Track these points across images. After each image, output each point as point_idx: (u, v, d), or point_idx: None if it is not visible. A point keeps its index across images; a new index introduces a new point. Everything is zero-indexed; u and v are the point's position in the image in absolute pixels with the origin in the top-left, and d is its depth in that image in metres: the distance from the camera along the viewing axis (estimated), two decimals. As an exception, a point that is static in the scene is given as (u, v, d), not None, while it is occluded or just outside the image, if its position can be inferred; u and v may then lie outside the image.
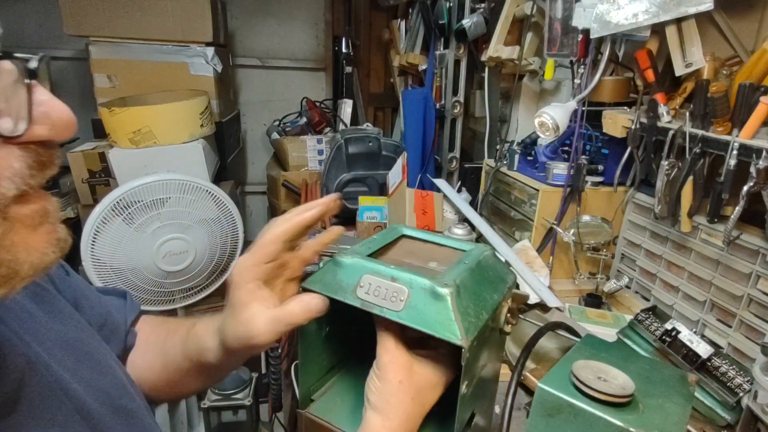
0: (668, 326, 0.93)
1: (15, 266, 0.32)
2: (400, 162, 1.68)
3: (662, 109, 1.11)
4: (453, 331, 0.45)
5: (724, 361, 0.87)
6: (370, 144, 2.04)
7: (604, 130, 1.25)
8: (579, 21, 1.18)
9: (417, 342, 0.51)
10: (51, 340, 0.46)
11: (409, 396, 0.48)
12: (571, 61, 1.30)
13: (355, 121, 2.83)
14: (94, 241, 1.51)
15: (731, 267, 1.00)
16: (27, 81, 0.30)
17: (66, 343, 0.48)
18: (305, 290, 0.54)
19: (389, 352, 0.49)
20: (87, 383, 0.46)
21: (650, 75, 1.12)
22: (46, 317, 0.48)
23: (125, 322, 0.63)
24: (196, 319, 0.60)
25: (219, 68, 2.27)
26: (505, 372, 0.65)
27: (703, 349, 0.87)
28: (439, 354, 0.51)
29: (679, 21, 1.07)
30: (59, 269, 0.56)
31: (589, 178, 1.34)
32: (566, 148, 1.42)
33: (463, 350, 0.44)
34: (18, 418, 0.38)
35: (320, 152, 2.40)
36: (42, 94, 0.31)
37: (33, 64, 0.30)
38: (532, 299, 1.19)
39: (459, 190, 1.98)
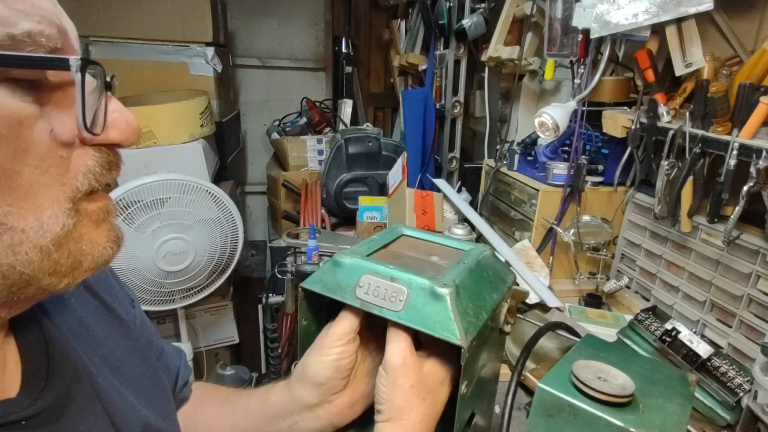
0: (668, 326, 0.93)
1: (80, 257, 0.35)
2: (400, 162, 1.68)
3: (662, 109, 1.11)
4: (452, 331, 0.44)
5: (724, 361, 0.87)
6: (370, 144, 2.04)
7: (604, 130, 1.25)
8: (579, 21, 1.18)
9: (425, 340, 0.51)
10: (99, 357, 0.47)
11: (420, 398, 0.47)
12: (571, 61, 1.30)
13: (355, 121, 2.82)
14: (94, 241, 1.50)
15: (731, 267, 1.00)
16: (106, 92, 0.35)
17: (111, 363, 0.48)
18: (304, 290, 0.54)
19: (402, 356, 0.47)
20: (129, 404, 0.46)
21: (650, 75, 1.12)
22: (102, 334, 0.49)
23: (178, 368, 0.63)
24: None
25: (219, 68, 2.27)
26: (505, 372, 0.65)
27: (703, 349, 0.87)
28: (441, 349, 0.51)
29: (679, 21, 1.07)
30: (127, 297, 0.57)
31: (589, 178, 1.34)
32: (566, 148, 1.42)
33: (462, 350, 0.44)
34: (61, 426, 0.38)
35: (320, 152, 2.40)
36: (114, 103, 0.36)
37: (108, 78, 0.35)
38: (532, 299, 1.19)
39: (459, 190, 1.98)
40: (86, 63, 0.32)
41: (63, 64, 0.31)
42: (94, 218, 0.36)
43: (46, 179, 0.32)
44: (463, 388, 0.47)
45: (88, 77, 0.33)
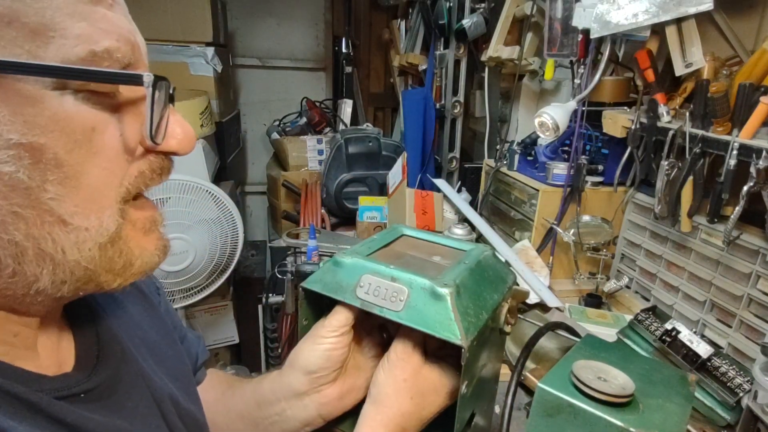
0: (668, 326, 0.93)
1: (131, 258, 0.37)
2: (400, 162, 1.68)
3: (662, 109, 1.11)
4: (453, 330, 0.44)
5: (724, 361, 0.87)
6: (370, 144, 2.04)
7: (604, 130, 1.25)
8: (579, 21, 1.18)
9: (434, 350, 0.52)
10: (138, 338, 0.50)
11: (409, 395, 0.48)
12: (571, 61, 1.30)
13: (355, 121, 2.83)
14: (94, 241, 1.50)
15: (731, 267, 1.00)
16: (169, 104, 0.38)
17: (149, 344, 0.51)
18: (304, 290, 0.54)
19: (405, 351, 0.50)
20: (164, 383, 0.49)
21: (650, 75, 1.12)
22: (139, 317, 0.52)
23: (197, 353, 0.65)
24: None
25: (219, 68, 2.27)
26: (505, 372, 0.65)
27: (703, 349, 0.87)
28: (447, 364, 0.52)
29: (679, 21, 1.07)
30: (153, 285, 0.60)
31: (589, 178, 1.34)
32: (566, 148, 1.42)
33: (463, 350, 0.44)
34: (113, 402, 0.41)
35: (320, 152, 2.40)
36: (174, 114, 0.39)
37: (171, 91, 0.38)
38: (532, 299, 1.19)
39: (459, 190, 1.98)
40: (157, 79, 0.35)
41: (137, 80, 0.34)
42: (139, 227, 0.38)
43: (110, 180, 0.35)
44: (463, 388, 0.47)
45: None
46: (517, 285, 0.58)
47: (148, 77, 0.34)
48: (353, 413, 0.56)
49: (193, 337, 0.66)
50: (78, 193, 0.33)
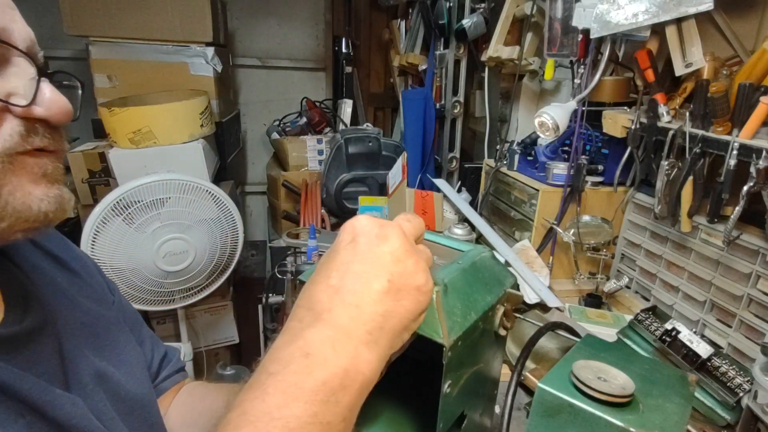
0: (668, 326, 0.93)
1: (7, 199, 0.38)
2: (400, 162, 1.68)
3: (662, 109, 1.11)
4: (435, 329, 0.45)
5: (724, 361, 0.87)
6: (370, 144, 2.04)
7: (604, 130, 1.25)
8: (579, 21, 1.18)
9: None
10: (73, 319, 0.52)
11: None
12: (571, 61, 1.30)
13: (355, 121, 2.83)
14: (94, 241, 1.51)
15: (731, 267, 1.00)
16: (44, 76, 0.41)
17: (82, 321, 0.53)
18: (302, 283, 0.54)
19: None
20: (91, 362, 0.50)
21: (650, 75, 1.12)
22: (75, 298, 0.54)
23: (161, 358, 0.68)
24: None
25: (219, 68, 2.27)
26: (505, 372, 0.65)
27: (703, 349, 0.87)
28: None
29: (679, 21, 1.07)
30: (105, 284, 0.64)
31: (589, 178, 1.34)
32: (566, 148, 1.42)
33: (444, 349, 0.44)
34: (25, 357, 0.43)
35: (320, 152, 2.40)
36: (48, 84, 0.41)
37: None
38: (532, 299, 1.19)
39: (459, 190, 1.98)
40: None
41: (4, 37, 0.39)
42: (28, 171, 0.40)
43: None
44: (445, 388, 0.47)
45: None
46: (518, 288, 0.58)
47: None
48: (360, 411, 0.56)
49: (154, 343, 0.68)
50: None
